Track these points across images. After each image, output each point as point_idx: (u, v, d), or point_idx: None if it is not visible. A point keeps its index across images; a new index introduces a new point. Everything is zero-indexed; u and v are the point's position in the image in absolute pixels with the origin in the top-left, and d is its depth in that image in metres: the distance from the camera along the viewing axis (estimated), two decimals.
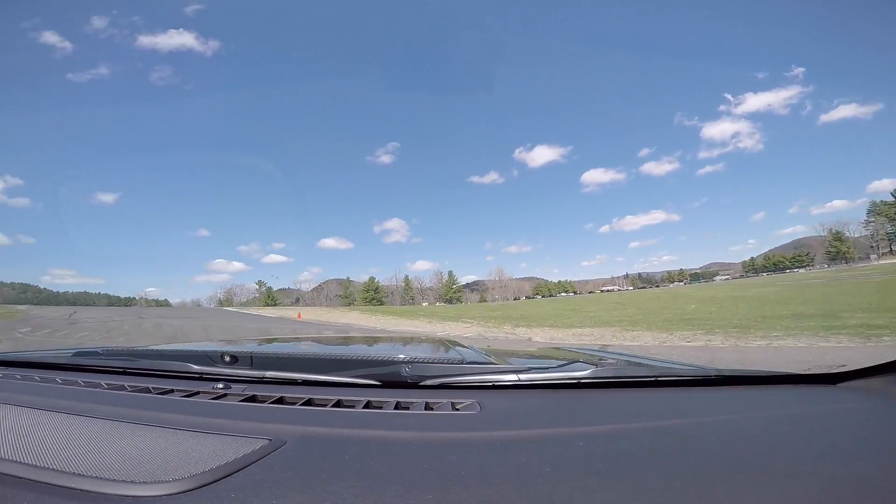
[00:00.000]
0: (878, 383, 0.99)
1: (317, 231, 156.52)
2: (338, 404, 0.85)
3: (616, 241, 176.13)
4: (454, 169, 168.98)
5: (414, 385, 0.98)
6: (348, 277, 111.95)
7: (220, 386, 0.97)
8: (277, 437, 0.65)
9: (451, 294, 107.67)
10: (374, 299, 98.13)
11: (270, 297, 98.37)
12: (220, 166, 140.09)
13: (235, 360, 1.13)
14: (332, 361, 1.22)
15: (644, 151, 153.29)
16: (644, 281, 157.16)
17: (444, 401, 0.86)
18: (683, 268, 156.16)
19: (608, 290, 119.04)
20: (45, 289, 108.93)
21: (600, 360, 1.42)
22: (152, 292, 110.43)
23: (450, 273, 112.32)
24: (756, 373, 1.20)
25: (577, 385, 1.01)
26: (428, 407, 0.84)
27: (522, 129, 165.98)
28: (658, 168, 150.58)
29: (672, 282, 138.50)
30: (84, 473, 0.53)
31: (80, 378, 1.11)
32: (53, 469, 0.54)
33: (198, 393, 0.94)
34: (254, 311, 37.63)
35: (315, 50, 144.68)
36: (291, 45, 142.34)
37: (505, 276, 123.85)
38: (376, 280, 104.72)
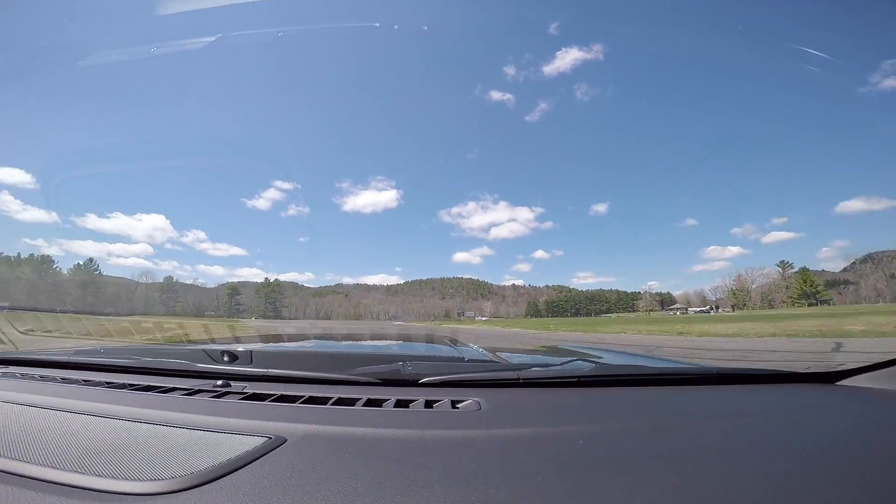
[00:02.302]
0: (875, 381, 1.01)
1: (830, 194, 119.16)
2: (338, 402, 0.85)
3: None
4: None
5: (414, 383, 0.99)
6: None
7: (221, 384, 0.98)
8: (278, 435, 0.65)
9: None
10: None
11: (808, 283, 79.91)
12: (686, 147, 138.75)
13: (236, 357, 1.13)
14: (332, 359, 1.21)
15: None
16: None
17: (445, 399, 0.86)
18: None
19: None
20: (572, 289, 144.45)
21: (601, 357, 1.45)
22: (654, 286, 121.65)
23: None
24: (756, 371, 1.22)
25: (578, 383, 1.01)
26: (428, 405, 0.84)
27: None
28: None
29: None
30: (84, 471, 0.54)
31: (81, 376, 1.10)
32: (54, 467, 0.55)
33: (198, 391, 0.94)
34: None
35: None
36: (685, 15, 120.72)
37: None
38: None
